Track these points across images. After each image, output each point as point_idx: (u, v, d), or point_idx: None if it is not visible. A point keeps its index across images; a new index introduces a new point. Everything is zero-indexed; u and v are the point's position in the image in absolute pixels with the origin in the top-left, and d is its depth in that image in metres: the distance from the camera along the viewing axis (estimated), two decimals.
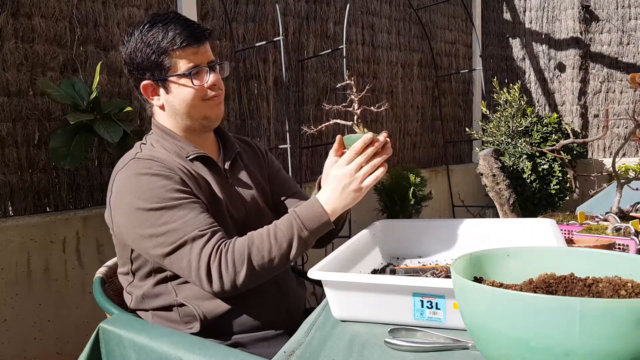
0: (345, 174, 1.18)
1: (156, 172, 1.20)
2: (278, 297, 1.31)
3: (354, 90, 1.24)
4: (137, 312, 1.32)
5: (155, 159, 1.23)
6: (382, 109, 1.24)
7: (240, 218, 1.32)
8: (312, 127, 1.27)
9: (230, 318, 1.23)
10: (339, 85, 1.22)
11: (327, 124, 1.26)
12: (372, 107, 1.27)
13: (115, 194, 1.23)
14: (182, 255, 1.14)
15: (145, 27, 1.25)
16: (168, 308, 1.26)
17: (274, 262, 1.16)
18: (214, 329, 1.21)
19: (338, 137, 1.24)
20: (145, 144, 1.33)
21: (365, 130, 1.22)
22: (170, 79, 1.26)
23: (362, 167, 1.18)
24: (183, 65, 1.25)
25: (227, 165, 1.37)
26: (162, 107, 1.31)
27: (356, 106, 1.24)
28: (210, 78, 1.28)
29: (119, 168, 1.26)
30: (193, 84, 1.26)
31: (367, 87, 1.23)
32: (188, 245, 1.14)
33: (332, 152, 1.26)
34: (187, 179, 1.23)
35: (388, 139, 1.21)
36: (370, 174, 1.18)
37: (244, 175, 1.41)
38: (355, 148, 1.18)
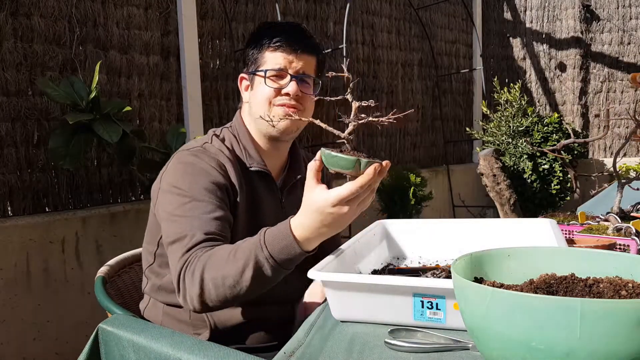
0: (342, 214, 0.97)
1: (211, 167, 1.20)
2: (288, 308, 1.29)
3: (353, 111, 0.99)
4: (150, 299, 1.32)
5: (217, 157, 1.23)
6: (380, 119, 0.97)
7: None
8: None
9: (242, 330, 1.22)
10: (331, 74, 0.98)
11: (303, 118, 1.06)
12: (369, 118, 0.98)
13: (169, 168, 1.23)
14: (176, 249, 1.11)
15: (262, 26, 1.30)
16: (180, 306, 1.25)
17: (226, 281, 1.01)
18: (222, 338, 1.19)
19: (318, 155, 0.99)
20: (218, 135, 1.31)
21: (354, 153, 0.96)
22: (257, 73, 1.27)
23: (359, 204, 0.99)
24: (269, 64, 1.26)
25: (284, 186, 1.35)
26: (247, 102, 1.33)
27: (349, 128, 0.99)
28: (289, 86, 1.25)
29: (184, 149, 1.26)
30: (266, 83, 1.25)
31: (366, 119, 0.98)
32: (184, 240, 1.10)
33: (311, 174, 0.99)
34: (230, 190, 1.22)
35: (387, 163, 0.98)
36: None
37: (298, 200, 1.39)
38: (357, 185, 0.94)
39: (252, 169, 1.27)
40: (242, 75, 1.34)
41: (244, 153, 1.29)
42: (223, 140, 1.29)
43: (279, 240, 1.01)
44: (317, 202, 0.97)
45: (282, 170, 1.38)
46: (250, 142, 1.30)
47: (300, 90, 1.26)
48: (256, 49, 1.29)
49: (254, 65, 1.29)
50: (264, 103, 1.26)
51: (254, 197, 1.26)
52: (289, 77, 1.25)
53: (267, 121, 1.24)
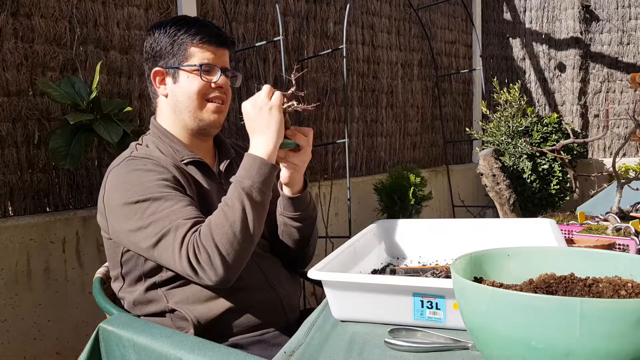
0: (258, 99, 1.19)
1: (149, 169, 1.21)
2: (269, 293, 1.30)
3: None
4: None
5: (151, 157, 1.25)
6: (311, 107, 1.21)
7: None
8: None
9: (224, 320, 1.22)
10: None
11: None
12: (301, 105, 1.22)
13: (108, 190, 1.23)
14: (166, 245, 1.13)
15: (169, 23, 1.32)
16: (160, 314, 1.25)
17: (235, 228, 1.11)
18: (209, 332, 1.19)
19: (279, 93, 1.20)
20: (140, 144, 1.34)
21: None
22: (182, 68, 1.30)
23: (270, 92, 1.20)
24: (197, 59, 1.29)
25: (222, 170, 1.38)
26: (165, 96, 1.34)
27: (285, 100, 1.21)
28: (220, 79, 1.31)
29: (112, 166, 1.27)
30: (201, 77, 1.29)
31: (291, 90, 1.21)
32: (171, 233, 1.12)
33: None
34: (181, 179, 1.24)
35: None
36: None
37: None
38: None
39: (185, 161, 1.30)
40: (156, 69, 1.34)
41: (172, 149, 1.31)
42: (147, 146, 1.32)
43: (248, 168, 1.16)
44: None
45: (214, 156, 1.42)
46: (175, 139, 1.33)
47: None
48: (174, 43, 1.30)
49: (174, 58, 1.31)
50: (196, 97, 1.30)
51: (197, 188, 1.28)
52: (219, 71, 1.31)
53: (200, 121, 1.31)
